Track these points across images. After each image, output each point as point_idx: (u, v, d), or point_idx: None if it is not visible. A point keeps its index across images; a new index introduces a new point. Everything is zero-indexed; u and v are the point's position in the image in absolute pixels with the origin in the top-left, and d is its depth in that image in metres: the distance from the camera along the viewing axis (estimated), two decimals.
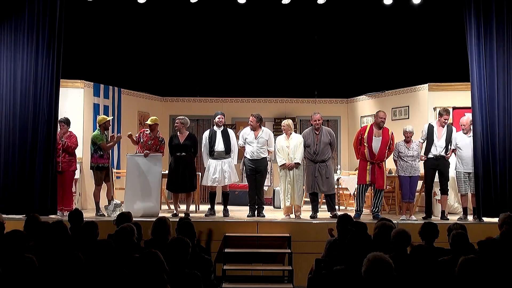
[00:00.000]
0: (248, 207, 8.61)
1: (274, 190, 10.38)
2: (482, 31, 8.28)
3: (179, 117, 8.86)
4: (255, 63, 12.20)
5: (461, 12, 8.45)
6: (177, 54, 12.24)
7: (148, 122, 8.80)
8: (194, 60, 12.28)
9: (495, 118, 8.17)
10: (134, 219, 5.84)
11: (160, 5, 10.50)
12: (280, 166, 8.42)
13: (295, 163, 8.32)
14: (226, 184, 8.64)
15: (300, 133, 8.97)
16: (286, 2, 9.40)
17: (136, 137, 8.83)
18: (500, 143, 8.14)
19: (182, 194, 9.03)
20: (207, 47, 12.19)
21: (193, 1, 9.27)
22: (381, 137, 8.29)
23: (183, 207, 9.22)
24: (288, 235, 7.64)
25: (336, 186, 10.26)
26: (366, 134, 8.33)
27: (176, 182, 8.56)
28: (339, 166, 11.20)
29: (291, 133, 8.49)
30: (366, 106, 11.62)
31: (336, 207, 9.90)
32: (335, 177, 10.23)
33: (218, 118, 8.70)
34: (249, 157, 8.55)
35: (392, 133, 8.44)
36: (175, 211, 8.75)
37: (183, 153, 8.55)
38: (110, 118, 8.92)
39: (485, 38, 8.28)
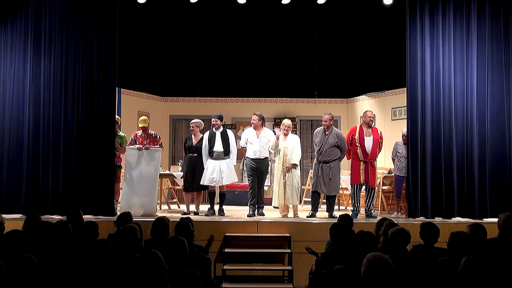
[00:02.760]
0: (248, 206, 8.62)
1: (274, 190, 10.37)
2: (428, 27, 8.30)
3: (194, 120, 9.08)
4: (255, 63, 12.20)
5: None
6: (177, 54, 12.24)
7: (141, 124, 8.80)
8: (194, 60, 12.28)
9: (440, 119, 8.21)
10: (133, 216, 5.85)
11: (160, 5, 10.50)
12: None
13: (292, 164, 8.35)
14: (223, 184, 8.70)
15: (301, 133, 8.99)
16: (286, 2, 9.41)
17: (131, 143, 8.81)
18: (445, 147, 8.17)
19: (193, 196, 9.13)
20: (207, 47, 12.19)
21: (193, 1, 9.28)
22: (372, 136, 8.44)
23: (183, 207, 9.27)
24: (288, 235, 7.64)
25: None
26: (357, 134, 8.46)
27: (188, 182, 8.78)
28: None
29: (288, 134, 8.53)
30: (366, 106, 11.61)
31: (336, 207, 9.93)
32: None
33: (212, 121, 8.83)
34: (251, 157, 8.60)
35: (381, 132, 8.68)
36: (185, 211, 8.87)
37: (195, 154, 8.77)
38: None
39: (431, 35, 8.29)
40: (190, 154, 8.86)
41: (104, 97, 8.27)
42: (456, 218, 8.09)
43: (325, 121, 8.49)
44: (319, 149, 8.43)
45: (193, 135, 8.94)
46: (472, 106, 8.21)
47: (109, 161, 8.24)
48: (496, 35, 8.30)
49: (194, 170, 8.76)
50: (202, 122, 9.16)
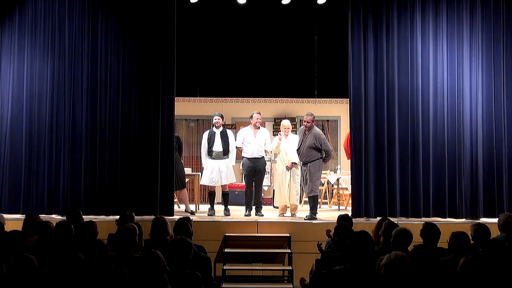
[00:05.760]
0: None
1: (274, 190, 10.38)
2: (371, 26, 8.46)
3: None
4: (255, 63, 12.18)
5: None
6: (177, 54, 12.19)
7: None
8: (194, 60, 12.27)
9: (383, 119, 8.23)
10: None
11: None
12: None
13: (292, 162, 8.36)
14: (223, 183, 8.71)
15: None
16: (286, 2, 9.41)
17: None
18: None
19: (178, 195, 9.12)
20: (207, 47, 12.18)
21: (193, 1, 9.28)
22: None
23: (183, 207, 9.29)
24: (288, 235, 7.64)
25: (336, 186, 10.30)
26: None
27: None
28: (339, 166, 11.20)
29: (288, 134, 8.54)
30: None
31: (336, 207, 9.96)
32: (335, 177, 10.26)
33: (216, 119, 8.82)
34: (248, 156, 8.62)
35: None
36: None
37: None
38: None
39: (374, 35, 8.45)
40: None
41: (162, 97, 8.27)
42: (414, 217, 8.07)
43: (307, 122, 8.38)
44: (298, 150, 8.41)
45: None
46: (417, 105, 8.24)
47: (169, 162, 8.21)
48: (440, 32, 8.31)
49: None
50: None
